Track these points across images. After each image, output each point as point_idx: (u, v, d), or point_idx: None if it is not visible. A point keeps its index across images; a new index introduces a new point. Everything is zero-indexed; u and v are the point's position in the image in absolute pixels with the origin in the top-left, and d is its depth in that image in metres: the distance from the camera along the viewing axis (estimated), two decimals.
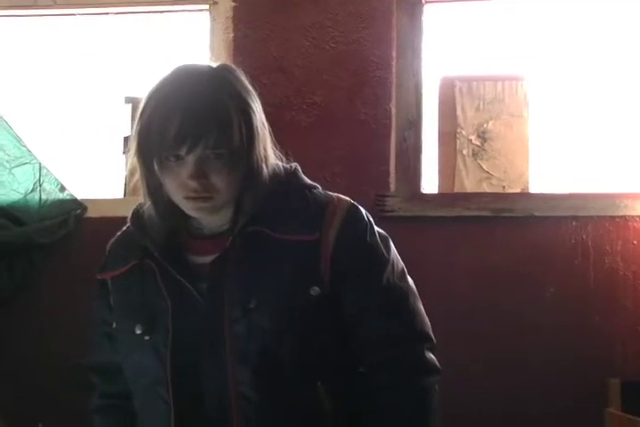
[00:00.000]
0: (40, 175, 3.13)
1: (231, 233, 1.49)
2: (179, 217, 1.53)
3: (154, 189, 1.51)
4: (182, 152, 1.42)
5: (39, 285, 3.09)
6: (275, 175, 1.53)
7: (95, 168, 3.30)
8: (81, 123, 3.34)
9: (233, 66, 1.54)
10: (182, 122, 1.40)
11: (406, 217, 2.94)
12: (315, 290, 1.48)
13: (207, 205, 1.47)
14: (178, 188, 1.46)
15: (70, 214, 3.11)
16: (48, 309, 3.05)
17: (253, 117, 1.46)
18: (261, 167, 1.49)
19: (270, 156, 1.52)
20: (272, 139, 1.54)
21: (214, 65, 1.51)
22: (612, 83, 3.04)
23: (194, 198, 1.46)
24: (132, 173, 1.55)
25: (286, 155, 1.58)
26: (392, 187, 2.98)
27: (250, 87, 1.50)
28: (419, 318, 1.55)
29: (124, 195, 3.13)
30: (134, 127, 1.47)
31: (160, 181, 1.48)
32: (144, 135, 1.44)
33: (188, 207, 1.48)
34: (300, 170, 1.59)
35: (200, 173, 1.43)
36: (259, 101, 1.50)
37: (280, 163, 1.56)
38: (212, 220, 1.53)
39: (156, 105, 1.43)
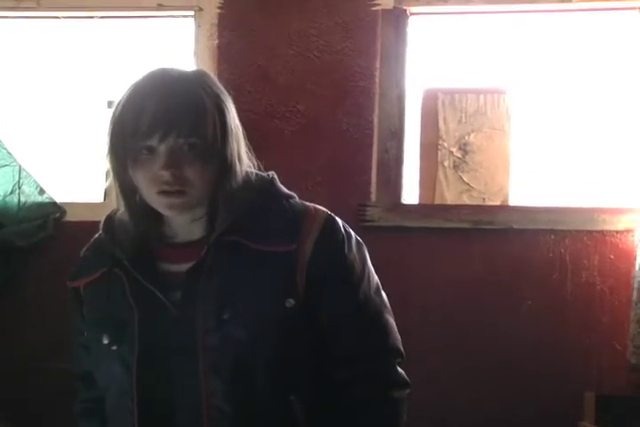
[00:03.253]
0: (19, 178, 3.12)
1: (207, 241, 1.47)
2: (152, 223, 1.51)
3: (128, 190, 1.48)
4: (154, 142, 1.41)
5: (17, 287, 3.07)
6: (251, 183, 1.51)
7: (75, 172, 3.28)
8: (62, 126, 3.32)
9: (208, 71, 1.55)
10: (155, 110, 1.39)
11: (386, 227, 2.95)
12: (290, 302, 1.46)
13: (180, 201, 1.44)
14: (150, 181, 1.43)
15: (49, 218, 3.10)
16: (25, 312, 3.04)
17: (227, 114, 1.46)
18: (235, 164, 1.47)
19: (244, 157, 1.51)
20: (247, 143, 1.53)
21: (189, 70, 1.51)
22: (593, 98, 3.06)
23: (167, 193, 1.42)
24: (107, 175, 1.53)
25: (260, 163, 1.57)
26: (373, 197, 2.99)
27: (224, 90, 1.50)
28: (391, 333, 1.55)
29: (104, 199, 3.12)
30: (108, 124, 1.46)
31: (134, 182, 1.46)
32: (117, 128, 1.43)
33: (160, 204, 1.45)
34: (277, 179, 1.57)
35: (172, 163, 1.41)
36: (232, 104, 1.50)
37: (257, 171, 1.55)
38: (184, 223, 1.51)
39: (129, 98, 1.43)
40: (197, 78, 1.47)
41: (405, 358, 1.56)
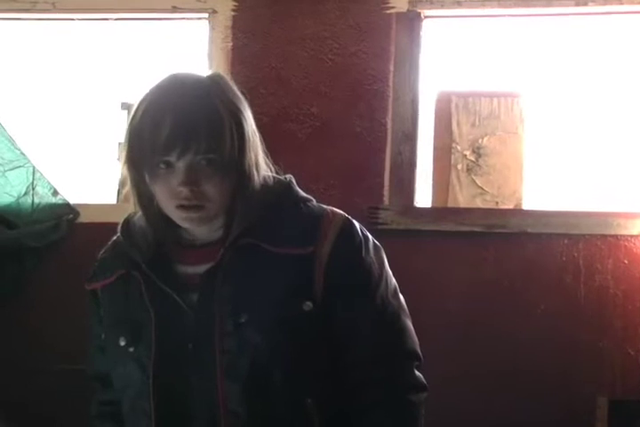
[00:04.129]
0: (33, 179, 3.13)
1: (223, 244, 1.47)
2: (170, 228, 1.51)
3: (146, 199, 1.49)
4: (173, 158, 1.41)
5: (30, 289, 3.08)
6: (269, 187, 1.51)
7: (89, 173, 3.30)
8: (76, 127, 3.33)
9: (224, 75, 1.54)
10: (173, 126, 1.39)
11: (399, 230, 2.95)
12: (307, 305, 1.46)
13: (198, 215, 1.45)
14: (169, 196, 1.44)
15: (62, 219, 3.11)
16: (38, 313, 3.04)
17: (244, 124, 1.45)
18: (253, 174, 1.47)
19: (261, 163, 1.51)
20: (263, 148, 1.52)
21: (206, 74, 1.50)
22: (607, 101, 3.05)
23: (186, 208, 1.43)
24: (123, 183, 1.53)
25: (277, 166, 1.56)
26: (386, 200, 2.99)
27: (241, 96, 1.49)
28: (409, 336, 1.54)
29: (117, 201, 3.12)
30: (125, 134, 1.46)
31: (151, 191, 1.47)
32: (135, 141, 1.43)
33: (179, 217, 1.46)
34: (294, 182, 1.56)
35: (191, 180, 1.41)
36: (249, 110, 1.49)
37: (274, 175, 1.55)
38: (203, 231, 1.51)
39: (147, 110, 1.42)
40: (214, 86, 1.46)
41: (423, 362, 1.56)
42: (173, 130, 1.39)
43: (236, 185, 1.46)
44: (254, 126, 1.50)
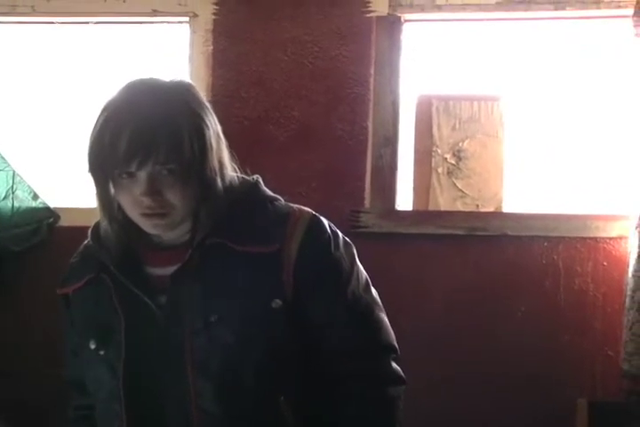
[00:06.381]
0: (13, 183, 3.11)
1: (191, 245, 1.48)
2: (137, 232, 1.52)
3: (109, 205, 1.49)
4: (133, 168, 1.41)
5: (10, 292, 3.07)
6: (234, 187, 1.52)
7: (69, 177, 3.28)
8: (56, 131, 3.32)
9: (188, 81, 1.54)
10: (131, 138, 1.39)
11: (380, 233, 2.95)
12: (276, 302, 1.47)
13: (164, 222, 1.47)
14: (133, 205, 1.45)
15: (43, 223, 3.10)
16: (19, 316, 3.03)
17: (206, 131, 1.46)
18: (215, 180, 1.48)
19: (227, 168, 1.52)
20: (229, 151, 1.53)
21: (168, 80, 1.50)
22: (585, 105, 3.07)
23: (150, 216, 1.45)
24: None
25: (246, 169, 1.57)
26: (367, 203, 3.00)
27: (204, 101, 1.50)
28: (384, 329, 1.56)
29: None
30: (87, 143, 1.46)
31: (115, 198, 1.47)
32: (95, 152, 1.43)
33: (144, 224, 1.48)
34: (261, 182, 1.58)
35: (153, 190, 1.42)
36: (213, 115, 1.50)
37: (240, 175, 1.56)
38: (172, 236, 1.52)
39: (107, 121, 1.42)
40: (176, 96, 1.46)
41: (400, 354, 1.56)
42: (131, 142, 1.39)
43: (200, 190, 1.46)
44: (219, 131, 1.50)
